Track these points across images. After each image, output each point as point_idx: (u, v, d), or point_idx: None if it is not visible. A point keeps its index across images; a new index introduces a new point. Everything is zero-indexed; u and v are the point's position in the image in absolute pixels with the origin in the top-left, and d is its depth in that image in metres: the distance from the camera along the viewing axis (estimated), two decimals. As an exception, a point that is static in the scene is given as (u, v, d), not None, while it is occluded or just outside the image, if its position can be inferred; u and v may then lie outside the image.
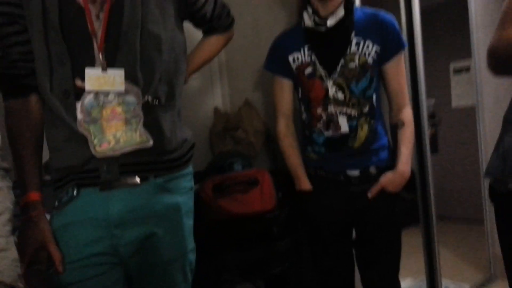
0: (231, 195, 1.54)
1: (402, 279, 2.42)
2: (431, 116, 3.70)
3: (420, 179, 2.37)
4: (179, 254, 1.02)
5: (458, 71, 3.37)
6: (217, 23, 1.16)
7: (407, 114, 1.38)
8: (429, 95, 3.87)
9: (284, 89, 1.43)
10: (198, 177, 1.64)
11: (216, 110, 2.08)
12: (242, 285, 1.66)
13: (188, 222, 1.04)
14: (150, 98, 0.93)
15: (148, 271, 1.00)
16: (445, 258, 2.55)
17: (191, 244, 1.05)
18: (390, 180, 1.32)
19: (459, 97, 3.42)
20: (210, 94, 2.13)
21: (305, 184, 1.40)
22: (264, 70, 1.50)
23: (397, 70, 1.36)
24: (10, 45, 0.91)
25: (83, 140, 0.89)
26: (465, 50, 2.68)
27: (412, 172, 2.32)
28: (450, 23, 3.15)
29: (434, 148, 3.65)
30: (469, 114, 3.00)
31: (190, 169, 1.07)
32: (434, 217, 2.31)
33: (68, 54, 0.88)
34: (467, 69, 3.30)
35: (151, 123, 0.93)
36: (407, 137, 1.36)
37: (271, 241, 1.56)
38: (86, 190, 0.93)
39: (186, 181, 1.04)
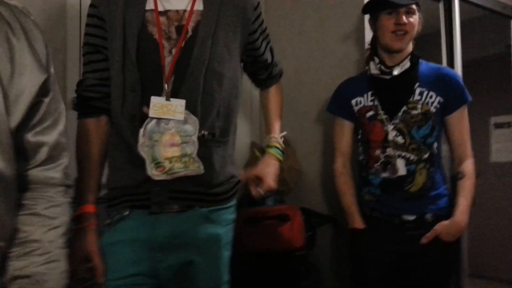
0: (261, 228, 1.56)
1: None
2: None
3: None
4: (215, 285, 1.05)
5: (499, 126, 3.31)
6: (275, 69, 1.25)
7: (469, 166, 1.42)
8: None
9: (344, 130, 1.53)
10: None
11: (253, 145, 2.14)
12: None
13: (226, 254, 1.07)
14: (205, 132, 1.00)
15: None
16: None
17: (226, 276, 1.07)
18: (446, 228, 1.34)
19: (499, 152, 3.34)
20: (247, 129, 2.20)
21: (358, 222, 1.43)
22: (326, 113, 1.61)
23: (460, 123, 1.43)
24: (91, 71, 1.03)
25: (141, 163, 0.95)
26: (507, 106, 2.65)
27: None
28: (492, 77, 3.13)
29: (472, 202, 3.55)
30: (510, 170, 2.92)
31: (234, 202, 1.11)
32: (466, 275, 2.21)
33: (140, 83, 0.97)
34: (508, 124, 3.24)
35: (203, 155, 0.99)
36: (466, 188, 1.39)
37: (298, 281, 1.55)
38: (137, 211, 0.99)
39: (229, 213, 1.08)
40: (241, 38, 1.06)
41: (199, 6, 1.01)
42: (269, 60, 1.21)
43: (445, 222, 1.34)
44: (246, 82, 2.14)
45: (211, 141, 1.01)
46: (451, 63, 2.26)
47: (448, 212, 1.37)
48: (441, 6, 2.26)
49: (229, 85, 1.04)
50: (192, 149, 0.97)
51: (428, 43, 2.72)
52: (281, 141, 1.22)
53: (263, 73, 1.23)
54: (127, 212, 0.98)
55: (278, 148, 1.21)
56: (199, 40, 0.98)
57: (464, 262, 2.30)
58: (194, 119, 0.98)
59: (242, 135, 2.17)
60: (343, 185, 1.51)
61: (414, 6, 1.39)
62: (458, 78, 1.44)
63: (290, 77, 2.16)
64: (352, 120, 1.50)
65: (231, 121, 1.08)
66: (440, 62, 2.28)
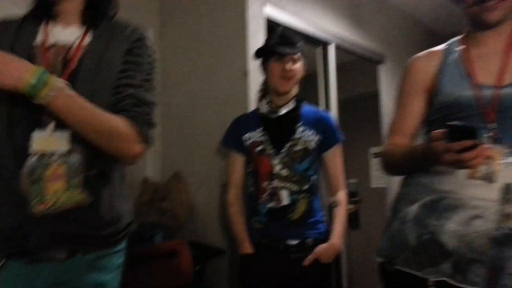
0: (149, 267, 1.53)
1: None
2: (353, 194, 3.99)
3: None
4: None
5: (376, 155, 3.74)
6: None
7: (342, 195, 1.64)
8: (352, 176, 4.20)
9: (237, 163, 1.64)
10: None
11: (144, 180, 2.11)
12: None
13: None
14: (91, 173, 0.94)
15: None
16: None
17: None
18: (324, 251, 1.50)
19: (377, 179, 3.75)
20: (141, 164, 2.17)
21: (247, 248, 1.53)
22: (221, 147, 1.70)
23: (334, 159, 1.62)
24: None
25: (23, 202, 0.88)
26: (381, 138, 3.04)
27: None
28: (368, 113, 3.56)
29: (356, 225, 3.88)
30: (387, 194, 3.30)
31: (123, 245, 1.04)
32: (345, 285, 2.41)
33: (23, 116, 0.92)
34: (384, 154, 3.66)
35: (90, 193, 0.94)
36: (340, 215, 1.59)
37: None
38: (14, 263, 0.91)
39: (117, 258, 1.02)
40: (120, 64, 1.01)
41: (88, 39, 1.00)
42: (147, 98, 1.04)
43: (324, 245, 1.50)
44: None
45: (98, 178, 0.97)
46: (327, 101, 2.54)
47: (325, 236, 1.54)
48: (318, 51, 2.55)
49: None
50: (78, 179, 0.92)
51: (307, 84, 3.01)
52: None
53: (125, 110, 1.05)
54: (2, 262, 0.90)
55: None
56: (84, 71, 0.96)
57: (344, 280, 2.52)
58: (79, 150, 0.93)
59: (136, 169, 2.13)
60: (235, 214, 1.61)
61: (298, 55, 1.56)
62: (332, 121, 1.63)
63: (183, 112, 2.21)
64: (244, 154, 1.62)
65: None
66: (317, 101, 2.55)
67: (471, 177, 0.89)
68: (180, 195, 1.96)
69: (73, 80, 0.94)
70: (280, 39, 1.55)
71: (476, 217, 0.93)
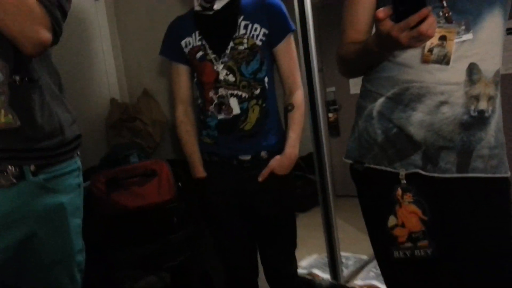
0: (126, 188, 1.49)
1: (309, 256, 2.58)
2: (332, 103, 3.98)
3: (318, 160, 2.53)
4: (64, 256, 0.96)
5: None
6: None
7: (298, 97, 1.41)
8: (330, 84, 4.13)
9: (181, 75, 1.43)
10: (91, 172, 1.56)
11: (112, 101, 1.98)
12: (146, 279, 1.62)
13: (75, 222, 0.98)
14: (17, 77, 0.84)
15: (29, 275, 0.93)
16: (347, 232, 2.75)
17: (78, 244, 0.99)
18: (278, 163, 1.36)
19: (356, 84, 3.70)
20: (106, 85, 2.03)
21: (199, 171, 1.41)
22: (160, 56, 1.47)
23: (287, 53, 1.38)
24: None
25: None
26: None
27: (311, 154, 2.46)
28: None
29: (336, 132, 3.93)
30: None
31: (77, 164, 0.99)
32: (331, 196, 2.48)
33: None
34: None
35: (20, 104, 0.85)
36: (295, 120, 1.39)
37: (171, 232, 1.54)
38: None
39: (72, 178, 0.97)
40: None
41: None
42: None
43: (278, 157, 1.36)
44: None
45: (27, 86, 0.87)
46: (301, 6, 2.35)
47: (280, 146, 1.38)
48: None
49: None
50: (2, 98, 0.82)
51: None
52: None
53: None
54: None
55: None
56: None
57: (328, 184, 2.58)
58: (2, 64, 0.82)
59: (102, 91, 1.99)
60: (185, 134, 1.44)
61: None
62: (281, 7, 1.37)
63: (141, 22, 2.01)
64: (186, 63, 1.41)
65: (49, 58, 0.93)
66: (293, 5, 2.35)
67: (425, 61, 0.87)
68: (151, 114, 1.86)
69: None
70: None
71: (443, 103, 0.91)
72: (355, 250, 2.57)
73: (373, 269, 2.28)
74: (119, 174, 1.51)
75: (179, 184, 1.59)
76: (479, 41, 0.90)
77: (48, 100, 0.91)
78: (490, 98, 0.93)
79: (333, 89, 3.93)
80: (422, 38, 0.76)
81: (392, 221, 0.98)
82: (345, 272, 2.23)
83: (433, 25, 0.75)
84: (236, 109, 1.33)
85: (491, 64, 0.92)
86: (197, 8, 1.34)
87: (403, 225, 0.98)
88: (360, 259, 2.45)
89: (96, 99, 1.97)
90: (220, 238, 1.46)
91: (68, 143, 0.95)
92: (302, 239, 1.54)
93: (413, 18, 0.74)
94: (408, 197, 0.97)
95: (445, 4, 0.88)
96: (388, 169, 0.98)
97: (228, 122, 1.34)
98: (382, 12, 0.77)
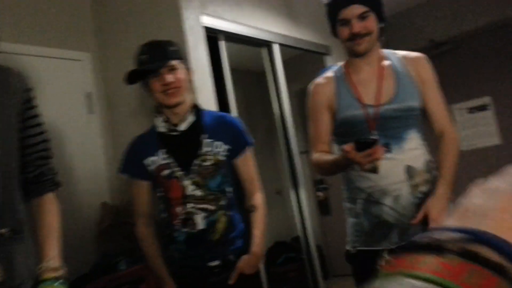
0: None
1: None
2: (320, 182, 4.07)
3: (305, 243, 2.59)
4: None
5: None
6: (50, 172, 1.11)
7: (258, 199, 1.54)
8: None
9: (142, 190, 1.51)
10: (83, 280, 1.61)
11: (104, 205, 2.08)
12: None
13: None
14: (3, 230, 0.91)
15: None
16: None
17: None
18: (246, 263, 1.43)
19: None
20: (97, 190, 2.14)
21: (169, 285, 1.44)
22: (120, 175, 1.55)
23: (246, 163, 1.53)
24: None
25: None
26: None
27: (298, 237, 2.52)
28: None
29: (326, 211, 3.95)
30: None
31: None
32: (320, 275, 2.52)
33: None
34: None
35: (4, 256, 0.90)
36: (258, 220, 1.50)
37: None
38: None
39: None
40: (16, 121, 1.00)
41: None
42: (44, 154, 1.08)
43: (245, 257, 1.43)
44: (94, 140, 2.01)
45: (12, 239, 0.94)
46: (278, 96, 2.60)
47: (247, 247, 1.46)
48: (264, 51, 2.57)
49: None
50: None
51: (258, 81, 3.04)
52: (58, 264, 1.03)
53: (32, 170, 1.06)
54: None
55: (53, 279, 0.99)
56: None
57: (317, 266, 2.62)
58: None
59: (93, 195, 2.10)
60: (149, 248, 1.49)
61: (174, 63, 1.42)
62: (238, 124, 1.52)
63: (131, 134, 2.17)
64: (148, 179, 1.48)
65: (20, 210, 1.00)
66: (269, 96, 2.60)
67: (363, 170, 1.24)
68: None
69: None
70: (150, 53, 1.42)
71: (398, 196, 1.33)
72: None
73: None
74: (108, 283, 1.56)
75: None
76: (405, 151, 1.34)
77: (26, 250, 0.97)
78: (427, 182, 1.35)
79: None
80: (374, 159, 1.19)
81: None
82: None
83: (381, 152, 1.20)
84: (200, 224, 1.41)
85: (419, 161, 1.36)
86: (161, 129, 1.47)
87: None
88: None
89: (88, 203, 2.06)
90: None
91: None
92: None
93: (371, 151, 1.17)
94: None
95: (375, 133, 1.32)
96: (376, 248, 1.33)
97: (195, 236, 1.41)
98: (349, 147, 1.18)
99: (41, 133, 1.07)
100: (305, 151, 3.86)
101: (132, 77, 1.44)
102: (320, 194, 3.92)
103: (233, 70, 2.27)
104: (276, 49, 2.56)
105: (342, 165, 1.31)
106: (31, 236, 1.04)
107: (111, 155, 2.20)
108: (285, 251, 3.19)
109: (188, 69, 1.49)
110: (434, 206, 1.28)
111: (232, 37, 2.25)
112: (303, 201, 2.65)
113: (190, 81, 1.50)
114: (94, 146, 2.17)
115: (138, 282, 1.56)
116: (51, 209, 1.08)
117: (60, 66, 2.07)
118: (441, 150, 1.37)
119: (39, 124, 1.07)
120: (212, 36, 2.13)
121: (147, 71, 1.41)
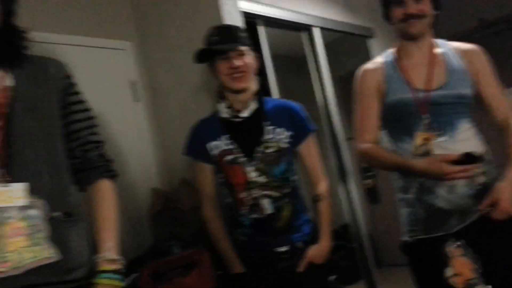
0: (170, 280, 1.55)
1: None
2: (367, 170, 3.95)
3: (355, 231, 2.52)
4: None
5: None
6: (101, 159, 1.10)
7: (323, 187, 1.56)
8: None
9: (206, 173, 1.55)
10: (136, 263, 1.67)
11: (155, 190, 2.14)
12: None
13: None
14: (56, 214, 0.93)
15: None
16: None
17: None
18: (316, 253, 1.46)
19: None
20: (148, 176, 2.21)
21: (238, 267, 1.47)
22: (184, 156, 1.60)
23: (310, 151, 1.55)
24: None
25: None
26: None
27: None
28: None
29: (375, 199, 3.84)
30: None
31: None
32: (372, 264, 2.43)
33: None
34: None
35: (58, 239, 0.92)
36: (324, 211, 1.52)
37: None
38: None
39: None
40: (57, 107, 1.01)
41: (10, 82, 0.96)
42: (91, 138, 1.08)
43: (315, 247, 1.46)
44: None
45: (65, 222, 0.96)
46: (320, 81, 2.54)
47: (313, 235, 1.49)
48: (304, 35, 2.53)
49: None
50: (42, 234, 0.90)
51: (299, 67, 2.99)
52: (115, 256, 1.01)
53: (80, 155, 1.06)
54: None
55: (110, 272, 0.98)
56: (19, 115, 0.92)
57: (370, 257, 2.54)
58: (40, 202, 0.90)
59: (143, 181, 2.17)
60: (216, 231, 1.53)
61: (243, 48, 1.45)
62: (300, 111, 1.54)
63: (177, 120, 2.22)
64: (211, 163, 1.51)
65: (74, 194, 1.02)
66: (311, 82, 2.54)
67: (415, 154, 1.29)
68: (190, 201, 1.99)
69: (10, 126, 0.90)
70: (220, 36, 1.45)
71: (453, 186, 1.32)
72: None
73: None
74: (162, 266, 1.60)
75: (220, 272, 1.64)
76: (459, 141, 1.33)
77: (81, 233, 1.00)
78: (483, 173, 1.34)
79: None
80: (465, 176, 1.23)
81: (449, 272, 1.28)
82: None
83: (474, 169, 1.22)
84: (269, 209, 1.43)
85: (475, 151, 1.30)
86: (225, 115, 1.49)
87: (458, 275, 1.27)
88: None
89: (138, 189, 2.14)
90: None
91: (87, 277, 0.98)
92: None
93: (470, 167, 1.20)
94: (458, 251, 1.29)
95: (427, 117, 1.33)
96: (438, 234, 1.32)
97: (262, 221, 1.44)
98: (447, 158, 1.21)
99: (86, 119, 1.08)
100: (351, 138, 3.78)
101: (200, 56, 1.48)
102: (368, 181, 3.81)
103: (273, 56, 2.25)
104: (317, 33, 2.51)
105: (413, 169, 1.30)
106: (87, 223, 1.06)
107: (158, 142, 2.27)
108: (334, 238, 3.13)
109: (255, 57, 1.52)
110: (506, 190, 1.26)
111: (271, 22, 2.23)
112: (351, 188, 2.58)
113: (256, 69, 1.53)
114: (141, 134, 2.23)
115: (191, 266, 1.57)
116: (105, 198, 1.06)
117: (103, 56, 2.12)
118: (508, 135, 1.37)
119: (82, 110, 1.08)
120: (251, 21, 2.13)
121: (216, 52, 1.44)
